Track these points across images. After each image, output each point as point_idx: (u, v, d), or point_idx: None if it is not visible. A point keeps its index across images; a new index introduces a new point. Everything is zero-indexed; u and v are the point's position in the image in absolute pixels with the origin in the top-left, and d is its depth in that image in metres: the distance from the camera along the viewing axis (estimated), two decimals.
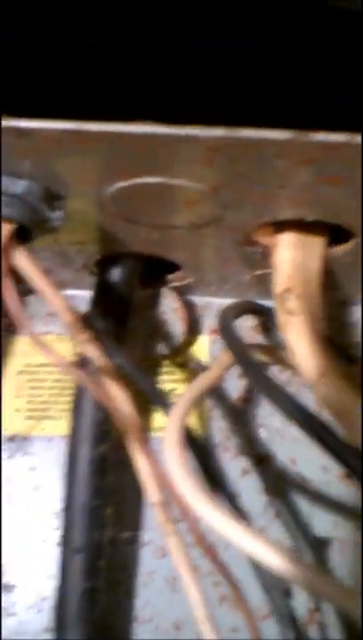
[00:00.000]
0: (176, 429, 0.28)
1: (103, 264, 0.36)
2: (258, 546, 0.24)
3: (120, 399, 0.31)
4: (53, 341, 0.40)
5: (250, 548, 0.24)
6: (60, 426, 0.39)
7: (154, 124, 0.23)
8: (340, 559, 0.38)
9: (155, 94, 0.29)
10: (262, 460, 0.39)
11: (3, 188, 0.25)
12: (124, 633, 0.37)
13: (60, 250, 0.34)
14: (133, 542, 0.38)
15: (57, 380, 0.39)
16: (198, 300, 0.41)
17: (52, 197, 0.27)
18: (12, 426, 0.39)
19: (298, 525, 0.38)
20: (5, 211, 0.26)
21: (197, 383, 0.31)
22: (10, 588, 0.37)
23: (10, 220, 0.26)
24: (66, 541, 0.33)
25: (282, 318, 0.29)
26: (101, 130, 0.22)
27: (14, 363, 0.40)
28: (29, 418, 0.39)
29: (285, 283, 0.30)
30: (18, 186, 0.25)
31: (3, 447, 0.39)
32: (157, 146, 0.23)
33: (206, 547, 0.28)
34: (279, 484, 0.39)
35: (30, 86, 0.28)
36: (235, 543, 0.24)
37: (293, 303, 0.29)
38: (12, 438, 0.39)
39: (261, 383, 0.27)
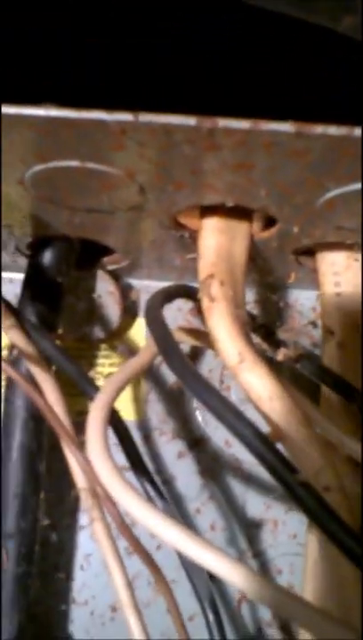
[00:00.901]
0: (99, 416, 0.28)
1: (35, 247, 0.35)
2: (172, 531, 0.24)
3: (47, 386, 0.31)
4: None
5: (164, 533, 0.24)
6: None
7: (61, 107, 0.22)
8: (272, 540, 0.38)
9: (67, 79, 0.28)
10: (197, 442, 0.39)
11: None
12: (60, 616, 0.37)
13: None
14: (71, 526, 0.38)
15: None
16: (137, 282, 0.41)
17: None
18: None
19: (232, 507, 0.39)
20: None
21: (124, 369, 0.31)
22: None
23: None
24: None
25: (205, 304, 0.30)
26: (10, 113, 0.22)
27: None
28: None
29: (208, 269, 0.30)
30: None
31: None
32: (66, 129, 0.23)
33: (128, 533, 0.28)
34: (214, 466, 0.39)
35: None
36: (151, 529, 0.24)
37: (215, 289, 0.29)
38: None
39: (178, 370, 0.27)
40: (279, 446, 0.27)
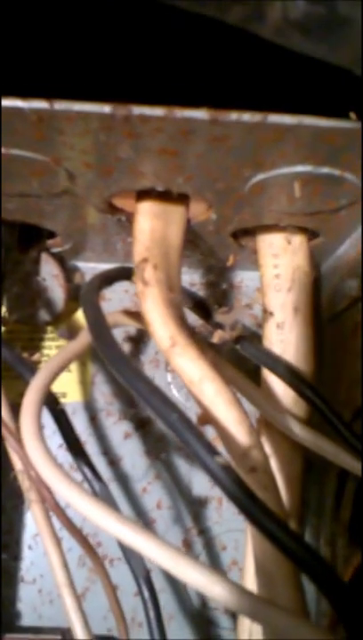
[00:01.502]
0: (33, 399, 0.28)
1: None
2: (101, 513, 0.24)
3: None
4: None
5: (93, 516, 0.25)
6: None
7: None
8: (217, 517, 0.39)
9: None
10: (143, 423, 0.40)
11: None
12: (9, 595, 0.38)
13: None
14: (17, 507, 0.39)
15: None
16: (83, 265, 0.41)
17: None
18: None
19: (177, 486, 0.39)
20: None
21: (61, 352, 0.32)
22: None
23: None
24: None
25: (139, 288, 0.30)
26: None
27: None
28: None
29: (142, 253, 0.30)
30: None
31: None
32: None
33: (61, 514, 0.28)
34: (160, 446, 0.40)
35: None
36: (79, 511, 0.25)
37: (149, 274, 0.30)
38: None
39: (106, 354, 0.27)
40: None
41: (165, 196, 0.31)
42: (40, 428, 0.27)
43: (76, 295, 0.40)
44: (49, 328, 0.40)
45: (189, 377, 0.28)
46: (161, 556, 0.23)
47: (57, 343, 0.40)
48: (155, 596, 0.31)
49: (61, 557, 0.30)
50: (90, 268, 0.41)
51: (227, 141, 0.24)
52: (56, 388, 0.35)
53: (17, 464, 0.31)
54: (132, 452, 0.40)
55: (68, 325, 0.40)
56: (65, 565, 0.30)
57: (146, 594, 0.31)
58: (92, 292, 0.31)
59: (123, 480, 0.39)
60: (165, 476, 0.39)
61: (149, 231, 0.31)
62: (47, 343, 0.40)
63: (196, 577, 0.23)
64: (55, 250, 0.39)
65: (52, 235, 0.37)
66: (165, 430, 0.40)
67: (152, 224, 0.31)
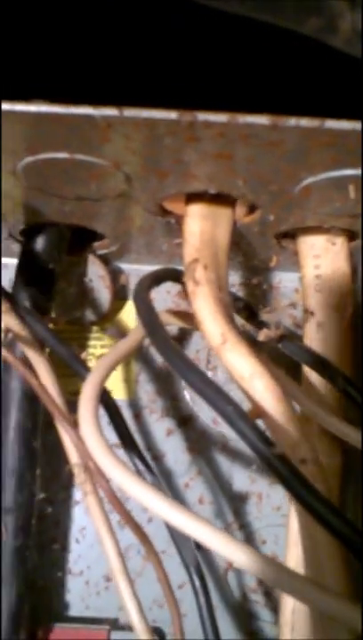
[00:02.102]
0: (90, 396, 0.30)
1: (28, 233, 0.37)
2: (159, 502, 0.26)
3: (41, 367, 0.32)
4: None
5: (152, 505, 0.26)
6: None
7: (51, 103, 0.24)
8: (256, 513, 0.40)
9: (58, 73, 0.30)
10: (185, 420, 0.41)
11: None
12: (57, 586, 0.39)
13: None
14: (66, 501, 0.40)
15: None
16: (126, 266, 0.42)
17: None
18: None
19: (219, 481, 0.40)
20: None
21: (114, 350, 0.33)
22: None
23: None
24: None
25: (190, 288, 0.31)
26: (3, 109, 0.23)
27: None
28: None
29: (193, 253, 0.31)
30: None
31: None
32: (54, 124, 0.24)
33: (118, 505, 0.29)
34: (202, 443, 0.41)
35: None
36: (141, 502, 0.26)
37: (199, 274, 0.31)
38: None
39: (163, 351, 0.29)
40: (260, 423, 0.28)
41: (212, 199, 0.32)
42: (98, 421, 0.28)
43: (120, 296, 0.42)
44: (94, 328, 0.42)
45: (240, 373, 0.29)
46: (220, 543, 0.24)
47: (101, 342, 0.42)
48: (205, 585, 0.32)
49: (116, 547, 0.31)
50: (133, 269, 0.42)
51: (282, 145, 0.25)
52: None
53: (72, 457, 0.32)
54: (174, 449, 0.41)
55: (112, 325, 0.42)
56: (120, 554, 0.31)
57: (197, 583, 0.32)
58: (143, 292, 0.33)
59: (166, 475, 0.40)
60: (206, 471, 0.41)
61: (199, 233, 0.32)
62: (92, 342, 0.42)
63: (250, 562, 0.24)
64: (101, 252, 0.40)
65: (98, 237, 0.39)
66: (207, 427, 0.41)
67: (201, 226, 0.32)
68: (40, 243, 0.36)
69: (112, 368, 0.32)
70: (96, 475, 0.30)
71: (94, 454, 0.27)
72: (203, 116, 0.23)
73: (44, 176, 0.29)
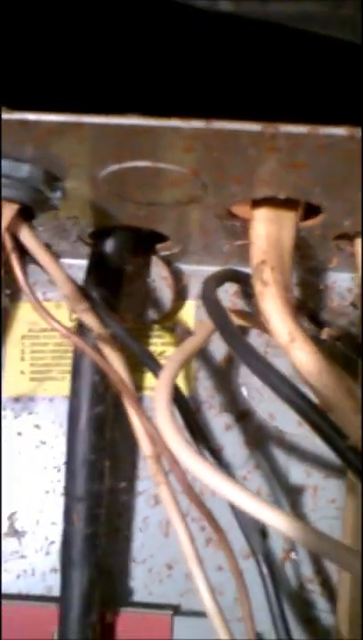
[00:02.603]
0: (165, 390, 0.31)
1: (97, 236, 0.39)
2: (235, 491, 0.27)
3: (115, 362, 0.34)
4: (52, 308, 0.42)
5: (229, 494, 0.27)
6: (61, 386, 0.42)
7: (141, 116, 0.25)
8: (312, 505, 0.42)
9: (144, 90, 0.32)
10: (243, 415, 0.43)
11: (9, 173, 0.28)
12: (122, 573, 0.41)
13: (57, 224, 0.36)
14: (129, 491, 0.42)
15: (58, 344, 0.43)
16: (185, 267, 0.44)
17: (52, 179, 0.29)
18: (18, 387, 0.42)
19: (275, 475, 0.42)
20: (10, 193, 0.28)
21: (183, 347, 0.34)
22: (21, 533, 0.41)
23: (14, 201, 0.29)
24: (69, 491, 0.37)
25: (258, 288, 0.32)
26: (96, 122, 0.25)
27: (17, 328, 0.43)
28: (33, 379, 0.42)
29: (260, 256, 0.33)
30: (21, 170, 0.28)
31: (9, 407, 0.42)
32: (144, 135, 0.26)
33: (193, 495, 0.31)
34: (259, 437, 0.42)
35: (34, 82, 0.31)
36: (217, 490, 0.28)
37: (267, 275, 0.32)
38: (17, 399, 0.42)
39: (238, 348, 0.30)
40: None
41: (277, 203, 0.34)
42: (173, 413, 0.30)
43: (181, 296, 0.43)
44: (155, 326, 0.43)
45: (308, 369, 0.31)
46: (293, 529, 0.26)
47: (162, 340, 0.43)
48: (273, 573, 0.33)
49: (190, 535, 0.33)
50: (192, 270, 0.44)
51: (356, 154, 0.27)
52: None
53: (145, 449, 0.34)
54: (232, 443, 0.42)
55: (173, 323, 0.43)
56: (193, 541, 0.33)
57: (265, 570, 0.33)
58: (212, 292, 0.34)
59: (224, 468, 0.42)
60: (263, 465, 0.42)
61: (266, 236, 0.34)
62: (154, 340, 0.43)
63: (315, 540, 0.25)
64: (164, 253, 0.42)
65: (162, 239, 0.40)
66: (263, 422, 0.43)
67: (268, 229, 0.34)
68: (110, 245, 0.38)
69: (183, 363, 0.34)
70: (172, 464, 0.31)
71: (171, 444, 0.29)
72: (285, 129, 0.25)
73: (124, 183, 0.31)
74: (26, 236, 0.30)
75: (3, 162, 0.28)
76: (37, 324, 0.43)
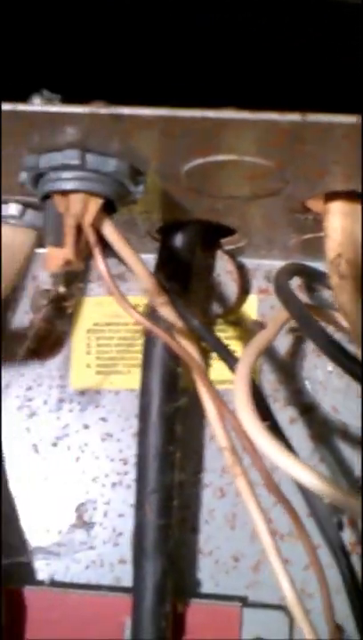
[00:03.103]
0: (244, 381, 0.32)
1: (165, 231, 0.39)
2: (317, 480, 0.28)
3: (193, 354, 0.34)
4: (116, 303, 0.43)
5: (313, 485, 0.28)
6: (126, 380, 0.43)
7: (235, 109, 0.26)
8: None
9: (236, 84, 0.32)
10: (307, 409, 0.43)
11: (95, 167, 0.28)
12: (189, 564, 0.41)
13: (129, 218, 0.37)
14: (196, 484, 0.42)
15: (122, 338, 0.43)
16: (248, 262, 0.44)
17: (136, 174, 0.30)
18: (84, 380, 0.43)
19: (341, 467, 0.42)
20: (96, 187, 0.29)
21: (257, 340, 0.35)
22: (89, 525, 0.42)
23: (99, 196, 0.29)
24: (141, 483, 0.37)
25: (335, 282, 0.33)
26: (191, 116, 0.25)
27: (83, 322, 0.43)
28: (99, 373, 0.43)
29: (336, 249, 0.33)
30: (108, 165, 0.29)
31: (76, 400, 0.43)
32: (234, 128, 0.26)
33: (273, 485, 0.31)
34: (323, 431, 0.43)
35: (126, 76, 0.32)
36: (301, 480, 0.28)
37: (344, 268, 0.33)
38: (83, 392, 0.43)
39: (318, 339, 0.31)
40: None
41: (350, 196, 0.34)
42: (253, 404, 0.30)
43: (245, 290, 0.44)
44: (219, 320, 0.44)
45: None
46: None
47: (226, 334, 0.43)
48: (351, 564, 0.34)
49: (268, 526, 0.33)
50: (254, 264, 0.44)
51: None
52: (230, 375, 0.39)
53: (222, 441, 0.34)
54: (297, 436, 0.42)
55: (236, 317, 0.44)
56: (271, 533, 0.33)
57: (343, 561, 0.34)
58: (285, 284, 0.34)
59: None
60: (328, 458, 0.42)
61: (341, 229, 0.34)
62: (217, 334, 0.43)
63: None
64: (228, 247, 0.42)
65: (228, 233, 0.40)
66: (328, 415, 0.43)
67: (342, 222, 0.34)
68: (180, 239, 0.38)
69: (258, 355, 0.34)
70: (252, 455, 0.32)
71: (252, 435, 0.29)
72: None
73: (205, 176, 0.31)
74: (108, 229, 0.30)
75: (89, 156, 0.29)
76: (102, 317, 0.43)
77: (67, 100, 0.27)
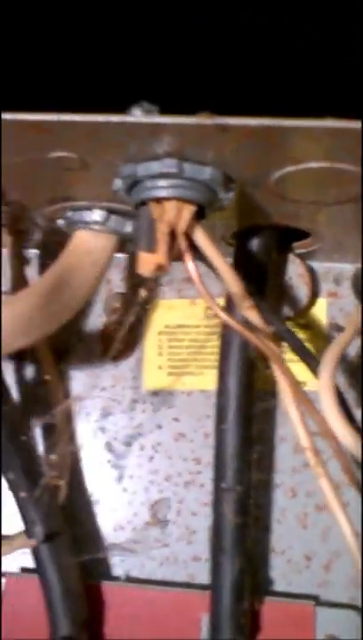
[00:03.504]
0: (330, 383, 0.32)
1: (241, 235, 0.40)
2: None
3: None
4: (188, 305, 0.44)
5: None
6: (198, 381, 0.43)
7: (336, 119, 0.26)
8: None
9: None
10: None
11: (191, 175, 0.29)
12: (263, 562, 0.42)
13: (207, 224, 0.37)
14: (268, 484, 0.43)
15: (193, 340, 0.44)
16: (317, 265, 0.45)
17: (228, 181, 0.30)
18: (156, 381, 0.44)
19: None
20: (191, 194, 0.30)
21: (338, 342, 0.35)
22: (164, 522, 0.42)
23: (193, 203, 0.30)
24: (219, 482, 0.38)
25: None
26: (294, 125, 0.26)
27: (155, 324, 0.44)
28: (171, 374, 0.44)
29: None
30: (204, 173, 0.29)
31: (149, 400, 0.44)
32: (333, 137, 0.27)
33: (357, 484, 0.32)
34: None
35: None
36: None
37: None
38: (156, 392, 0.44)
39: None
40: None
41: None
42: (339, 404, 0.31)
43: (315, 293, 0.44)
44: (288, 323, 0.44)
45: None
46: None
47: None
48: None
49: (352, 526, 0.33)
50: (324, 267, 0.45)
51: None
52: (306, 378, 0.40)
53: (304, 441, 0.35)
54: None
55: (306, 320, 0.44)
56: (356, 534, 0.33)
57: None
58: None
59: None
60: None
61: None
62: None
63: None
64: (299, 251, 0.43)
65: (300, 237, 0.41)
66: None
67: None
68: (256, 244, 0.39)
69: (339, 358, 0.35)
70: (337, 453, 0.32)
71: (339, 433, 0.30)
72: None
73: (293, 183, 0.32)
74: (199, 235, 0.31)
75: (186, 165, 0.29)
76: (173, 320, 0.44)
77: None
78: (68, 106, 0.28)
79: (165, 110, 0.27)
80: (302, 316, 0.44)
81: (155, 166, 0.29)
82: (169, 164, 0.29)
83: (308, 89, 0.39)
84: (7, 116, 0.27)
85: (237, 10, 0.36)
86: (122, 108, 0.27)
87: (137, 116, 0.28)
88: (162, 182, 0.30)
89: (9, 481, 0.38)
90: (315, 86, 0.39)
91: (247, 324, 0.34)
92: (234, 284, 0.32)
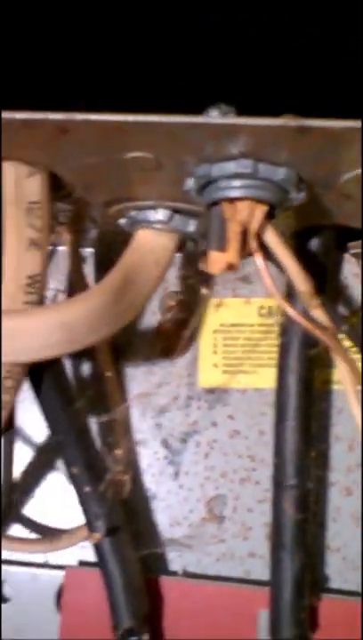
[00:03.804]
0: None
1: (300, 235, 0.40)
2: None
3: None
4: (242, 304, 0.45)
5: None
6: (252, 379, 0.44)
7: None
8: None
9: None
10: None
11: (266, 176, 0.30)
12: (319, 559, 0.42)
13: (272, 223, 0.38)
14: (323, 481, 0.43)
15: (247, 339, 0.44)
16: None
17: (300, 181, 0.31)
18: (211, 379, 0.44)
19: None
20: (264, 194, 0.30)
21: None
22: (220, 519, 0.43)
23: (265, 203, 0.30)
24: (279, 479, 0.38)
25: None
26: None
27: (210, 322, 0.45)
28: (225, 372, 0.44)
29: None
30: (278, 173, 0.30)
31: (203, 398, 0.44)
32: None
33: None
34: None
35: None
36: None
37: None
38: (211, 390, 0.44)
39: None
40: None
41: None
42: None
43: None
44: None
45: None
46: None
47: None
48: None
49: None
50: None
51: None
52: None
53: None
54: None
55: (357, 320, 0.44)
56: None
57: None
58: None
59: None
60: None
61: None
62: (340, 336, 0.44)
63: None
64: (353, 251, 0.43)
65: (354, 237, 0.41)
66: None
67: None
68: (316, 244, 0.39)
69: None
70: None
71: None
72: None
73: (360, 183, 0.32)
74: (270, 235, 0.32)
75: (261, 165, 0.30)
76: (228, 318, 0.45)
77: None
78: (130, 107, 0.28)
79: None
80: (355, 315, 0.44)
81: (230, 166, 0.30)
82: (244, 165, 0.29)
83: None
84: (92, 116, 0.27)
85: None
86: (169, 110, 0.28)
87: (214, 117, 0.28)
88: (236, 182, 0.30)
89: (72, 476, 0.39)
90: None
91: (313, 322, 0.34)
92: (303, 282, 0.33)
